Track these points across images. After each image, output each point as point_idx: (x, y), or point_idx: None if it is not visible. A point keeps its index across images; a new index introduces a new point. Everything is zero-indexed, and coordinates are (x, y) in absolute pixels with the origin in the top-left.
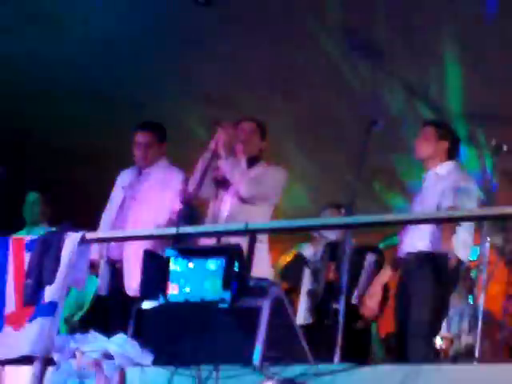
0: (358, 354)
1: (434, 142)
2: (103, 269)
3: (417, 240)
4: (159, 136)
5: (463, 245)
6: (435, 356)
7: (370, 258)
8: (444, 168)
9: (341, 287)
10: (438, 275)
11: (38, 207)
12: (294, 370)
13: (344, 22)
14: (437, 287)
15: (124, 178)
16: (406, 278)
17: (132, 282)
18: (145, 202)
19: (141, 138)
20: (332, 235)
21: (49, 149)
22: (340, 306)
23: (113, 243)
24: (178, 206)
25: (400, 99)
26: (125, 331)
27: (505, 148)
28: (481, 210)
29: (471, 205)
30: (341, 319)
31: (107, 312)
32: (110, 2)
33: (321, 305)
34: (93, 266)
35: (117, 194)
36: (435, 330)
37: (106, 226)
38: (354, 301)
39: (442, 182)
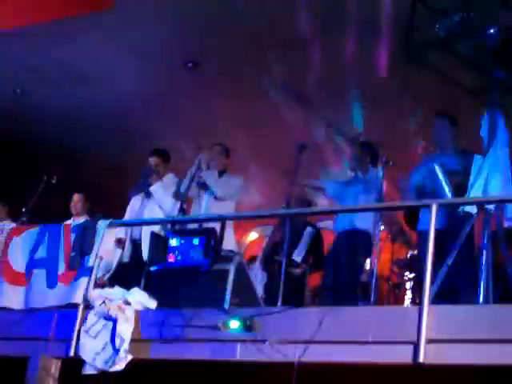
0: (297, 294)
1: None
2: (127, 244)
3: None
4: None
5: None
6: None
7: (308, 230)
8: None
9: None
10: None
11: (80, 203)
12: (250, 312)
13: (283, 79)
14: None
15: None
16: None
17: (145, 253)
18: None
19: (152, 160)
20: None
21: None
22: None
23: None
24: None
25: (323, 131)
26: (139, 286)
27: (391, 163)
28: (379, 205)
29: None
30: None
31: (127, 273)
32: (126, 72)
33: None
34: (120, 242)
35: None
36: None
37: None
38: (296, 258)
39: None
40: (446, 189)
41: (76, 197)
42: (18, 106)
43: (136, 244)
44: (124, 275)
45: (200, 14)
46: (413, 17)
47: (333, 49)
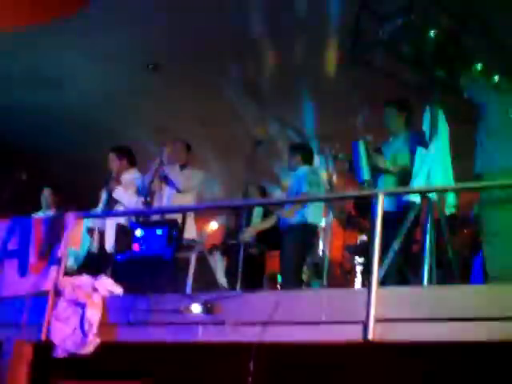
0: (257, 274)
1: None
2: (95, 234)
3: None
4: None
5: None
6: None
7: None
8: (301, 170)
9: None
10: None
11: (50, 198)
12: (210, 296)
13: (239, 79)
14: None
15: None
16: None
17: (109, 243)
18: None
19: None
20: None
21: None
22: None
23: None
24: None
25: (276, 127)
26: (105, 273)
27: (340, 156)
28: (328, 195)
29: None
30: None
31: (94, 262)
32: (91, 70)
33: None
34: (90, 232)
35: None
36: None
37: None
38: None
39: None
40: (365, 168)
41: (46, 191)
42: None
43: (102, 235)
44: (91, 264)
45: (160, 18)
46: (358, 20)
47: (284, 50)
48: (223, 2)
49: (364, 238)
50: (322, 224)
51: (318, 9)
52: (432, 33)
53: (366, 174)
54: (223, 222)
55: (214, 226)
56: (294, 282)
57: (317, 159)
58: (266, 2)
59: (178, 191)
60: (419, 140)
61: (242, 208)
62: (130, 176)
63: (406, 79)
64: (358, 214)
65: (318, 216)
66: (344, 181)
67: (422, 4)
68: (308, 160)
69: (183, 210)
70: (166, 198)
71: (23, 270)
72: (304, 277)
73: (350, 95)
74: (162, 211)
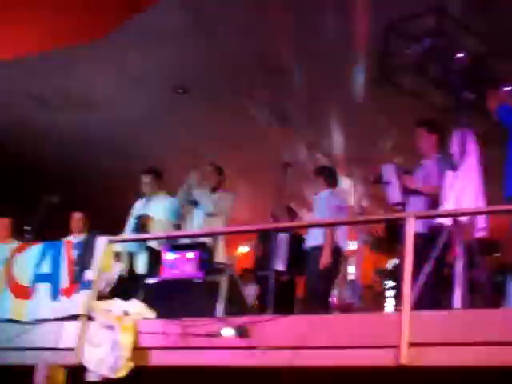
0: (287, 300)
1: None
2: (125, 258)
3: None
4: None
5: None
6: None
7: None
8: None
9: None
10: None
11: (81, 222)
12: (242, 320)
13: (267, 103)
14: None
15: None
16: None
17: (141, 266)
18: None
19: (144, 178)
20: None
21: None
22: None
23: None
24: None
25: (304, 151)
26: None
27: (370, 178)
28: (358, 218)
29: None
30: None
31: (124, 285)
32: (122, 94)
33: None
34: (117, 256)
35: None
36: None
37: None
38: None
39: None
40: (396, 190)
41: (76, 215)
42: (21, 131)
43: (131, 258)
44: (121, 287)
45: (190, 42)
46: (386, 42)
47: (311, 73)
48: (251, 27)
49: (395, 261)
50: (349, 247)
51: (345, 32)
52: (460, 54)
53: (398, 196)
54: (252, 247)
55: (243, 250)
56: (321, 304)
57: (346, 182)
58: (292, 26)
59: (209, 215)
60: (448, 162)
61: (271, 232)
62: (162, 198)
63: (434, 101)
64: (388, 237)
65: (343, 239)
66: (374, 203)
67: (449, 26)
68: (331, 182)
69: (213, 234)
70: (197, 221)
71: (55, 294)
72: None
73: (378, 118)
74: (193, 235)
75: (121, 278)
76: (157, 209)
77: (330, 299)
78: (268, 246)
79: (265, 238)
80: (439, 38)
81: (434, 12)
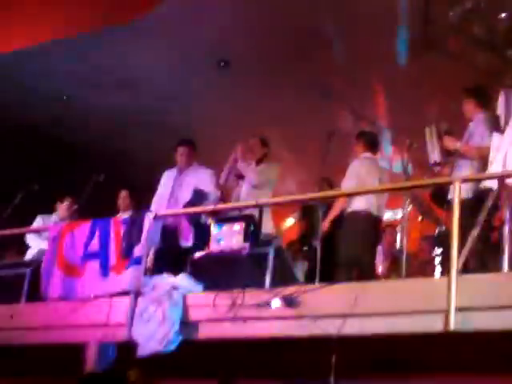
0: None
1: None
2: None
3: None
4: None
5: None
6: None
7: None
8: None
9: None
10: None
11: (127, 199)
12: (290, 290)
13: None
14: None
15: (169, 174)
16: None
17: (186, 240)
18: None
19: (181, 149)
20: None
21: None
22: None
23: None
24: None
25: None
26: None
27: (415, 145)
28: (405, 183)
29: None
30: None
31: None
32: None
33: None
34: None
35: (166, 183)
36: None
37: (159, 204)
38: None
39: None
40: (436, 150)
41: (123, 193)
42: (66, 112)
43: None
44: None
45: (230, 16)
46: (428, 5)
47: (355, 41)
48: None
49: (442, 228)
50: (396, 215)
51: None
52: (503, 14)
53: (437, 156)
54: (298, 218)
55: (290, 221)
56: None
57: (391, 149)
58: None
59: (254, 187)
60: (494, 123)
61: (317, 203)
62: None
63: (478, 63)
64: (435, 203)
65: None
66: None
67: None
68: (371, 147)
69: (259, 205)
70: (243, 194)
71: (105, 271)
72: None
73: (422, 83)
74: (239, 207)
75: (169, 252)
76: (191, 181)
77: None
78: (311, 218)
79: (308, 210)
80: None
81: None
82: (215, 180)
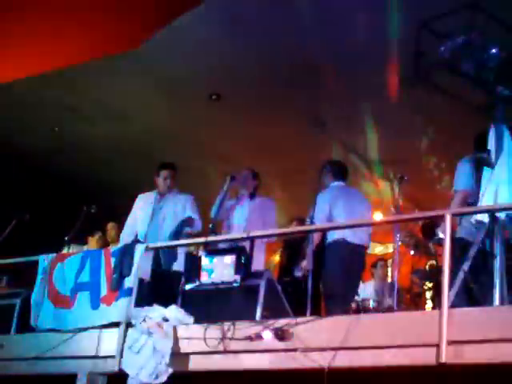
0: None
1: None
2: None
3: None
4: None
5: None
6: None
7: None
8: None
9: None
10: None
11: (114, 231)
12: (280, 322)
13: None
14: None
15: (146, 197)
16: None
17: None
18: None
19: (166, 172)
20: None
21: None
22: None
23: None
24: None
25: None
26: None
27: (406, 178)
28: (393, 217)
29: None
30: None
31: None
32: (155, 102)
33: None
34: None
35: (143, 207)
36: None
37: (130, 232)
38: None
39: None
40: None
41: (109, 225)
42: (56, 143)
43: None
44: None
45: (223, 47)
46: (419, 40)
47: (346, 75)
48: (285, 29)
49: (432, 262)
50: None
51: (379, 33)
52: (494, 50)
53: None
54: (280, 252)
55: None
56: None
57: (382, 183)
58: (326, 30)
59: (249, 222)
60: (482, 161)
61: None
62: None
63: (469, 98)
64: (425, 237)
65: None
66: (410, 204)
67: (482, 21)
68: (340, 176)
69: (250, 238)
70: (236, 228)
71: (95, 303)
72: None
73: (413, 118)
74: (230, 239)
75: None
76: (175, 206)
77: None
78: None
79: (288, 244)
80: (472, 34)
81: (466, 8)
82: (196, 206)
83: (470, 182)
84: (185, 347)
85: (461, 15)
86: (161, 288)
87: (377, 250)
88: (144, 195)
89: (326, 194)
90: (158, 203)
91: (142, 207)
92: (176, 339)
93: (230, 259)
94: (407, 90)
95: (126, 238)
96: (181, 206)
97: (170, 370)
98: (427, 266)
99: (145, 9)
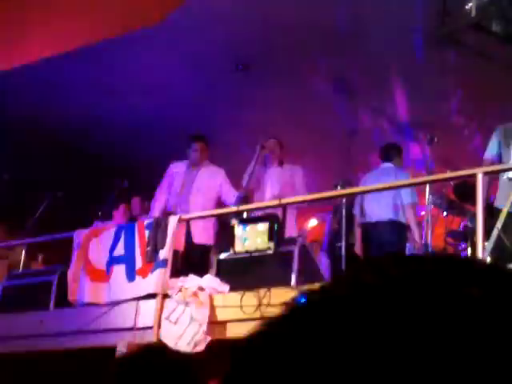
0: None
1: None
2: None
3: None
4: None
5: None
6: None
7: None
8: None
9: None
10: None
11: (138, 206)
12: (315, 287)
13: (333, 72)
14: None
15: (177, 167)
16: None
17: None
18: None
19: (196, 145)
20: None
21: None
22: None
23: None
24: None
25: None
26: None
27: (435, 139)
28: (425, 178)
29: None
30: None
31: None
32: (182, 75)
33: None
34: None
35: (175, 176)
36: None
37: (160, 201)
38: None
39: None
40: None
41: (134, 200)
42: (82, 119)
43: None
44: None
45: (249, 17)
46: (445, 1)
47: (373, 39)
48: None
49: (467, 222)
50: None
51: None
52: None
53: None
54: (323, 220)
55: (313, 222)
56: None
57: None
58: None
59: (280, 190)
60: None
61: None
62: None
63: (496, 56)
64: (458, 198)
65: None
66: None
67: None
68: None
69: (283, 205)
70: (267, 196)
71: (131, 275)
72: None
73: (441, 80)
74: (263, 207)
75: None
76: (207, 178)
77: None
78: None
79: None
80: None
81: None
82: (227, 179)
83: (496, 150)
84: (222, 315)
85: None
86: (194, 258)
87: None
88: (176, 164)
89: None
90: (189, 175)
91: (174, 176)
92: (212, 308)
93: (263, 227)
94: (436, 52)
95: (156, 207)
96: (212, 179)
97: (208, 339)
98: (461, 227)
99: None
